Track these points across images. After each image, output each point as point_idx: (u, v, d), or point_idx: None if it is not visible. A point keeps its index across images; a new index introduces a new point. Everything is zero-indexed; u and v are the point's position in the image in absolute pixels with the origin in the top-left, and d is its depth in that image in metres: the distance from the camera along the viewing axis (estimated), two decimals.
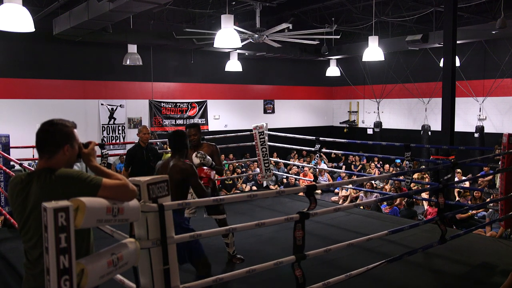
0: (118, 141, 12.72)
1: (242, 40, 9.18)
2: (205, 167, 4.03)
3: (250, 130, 8.02)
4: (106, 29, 10.11)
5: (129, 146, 6.19)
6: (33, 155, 8.76)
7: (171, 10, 11.17)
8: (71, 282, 1.80)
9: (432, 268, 4.45)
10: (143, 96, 13.40)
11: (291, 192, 4.04)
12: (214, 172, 4.22)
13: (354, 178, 9.28)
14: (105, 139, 12.55)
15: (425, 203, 9.28)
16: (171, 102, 13.90)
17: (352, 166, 14.63)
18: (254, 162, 11.36)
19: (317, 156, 7.90)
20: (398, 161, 13.19)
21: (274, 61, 15.62)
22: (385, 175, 10.64)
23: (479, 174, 10.79)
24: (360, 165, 14.53)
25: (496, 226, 7.14)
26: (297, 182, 11.65)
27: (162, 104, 13.70)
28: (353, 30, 13.18)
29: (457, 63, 9.76)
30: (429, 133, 14.26)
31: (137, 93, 13.29)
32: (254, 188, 12.30)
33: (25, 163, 5.54)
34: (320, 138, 7.62)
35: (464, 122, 13.35)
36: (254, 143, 7.90)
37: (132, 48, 11.64)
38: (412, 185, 7.44)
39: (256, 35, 9.34)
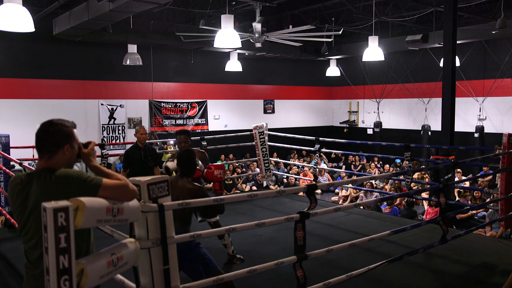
0: (118, 141, 12.72)
1: (242, 40, 9.18)
2: (215, 171, 3.96)
3: (250, 130, 8.02)
4: (106, 29, 10.11)
5: (129, 146, 6.17)
6: (33, 155, 8.76)
7: (171, 10, 11.17)
8: (70, 282, 1.79)
9: (432, 268, 4.45)
10: (143, 96, 13.40)
11: (291, 192, 4.04)
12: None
13: (354, 178, 9.27)
14: (105, 139, 12.55)
15: (425, 203, 9.27)
16: (171, 102, 13.90)
17: (352, 166, 14.63)
18: (254, 162, 11.36)
19: (317, 156, 7.90)
20: (398, 161, 13.20)
21: (274, 61, 15.62)
22: (385, 175, 10.64)
23: (478, 174, 10.79)
24: (360, 165, 14.52)
25: (496, 226, 7.14)
26: (297, 182, 11.65)
27: (162, 104, 13.69)
28: (353, 30, 13.18)
29: (457, 63, 9.76)
30: (429, 133, 14.25)
31: (137, 93, 13.29)
32: (254, 188, 12.30)
33: (25, 163, 5.54)
34: (320, 138, 7.61)
35: (464, 122, 13.35)
36: (254, 143, 7.90)
37: (132, 48, 11.64)
38: (412, 185, 7.44)
39: (256, 35, 9.34)
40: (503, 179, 5.39)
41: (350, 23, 12.87)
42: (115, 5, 7.43)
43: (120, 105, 12.94)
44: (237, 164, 13.33)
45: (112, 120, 12.83)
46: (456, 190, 9.32)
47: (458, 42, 8.74)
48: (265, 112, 16.14)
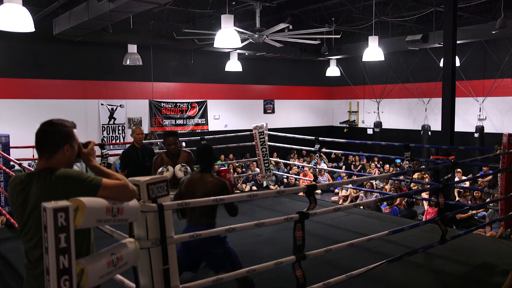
0: (118, 141, 12.72)
1: (242, 40, 9.18)
2: (226, 175, 3.91)
3: (250, 130, 8.02)
4: (106, 29, 10.11)
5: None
6: (33, 155, 8.76)
7: (171, 10, 11.17)
8: (70, 282, 1.80)
9: (432, 268, 4.45)
10: (143, 96, 13.40)
11: (291, 192, 4.04)
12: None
13: (354, 178, 9.28)
14: (105, 139, 12.55)
15: (425, 203, 9.28)
16: (171, 102, 13.90)
17: (352, 166, 14.63)
18: (254, 162, 11.37)
19: (317, 156, 7.90)
20: (398, 161, 13.20)
21: (274, 61, 15.62)
22: (385, 175, 10.64)
23: (478, 174, 10.79)
24: (360, 165, 14.53)
25: (496, 226, 7.14)
26: (297, 182, 11.65)
27: (162, 104, 13.69)
28: (353, 30, 13.18)
29: (457, 63, 9.76)
30: (429, 133, 14.26)
31: (137, 93, 13.29)
32: (254, 188, 12.30)
33: (25, 163, 5.55)
34: (320, 138, 7.61)
35: (464, 122, 13.35)
36: (254, 143, 7.90)
37: (132, 48, 11.64)
38: (412, 185, 7.44)
39: (256, 35, 9.34)
40: (503, 179, 5.40)
41: (350, 23, 12.87)
42: (115, 5, 7.43)
43: (120, 105, 12.94)
44: (237, 164, 13.33)
45: (112, 120, 12.83)
46: (456, 190, 9.32)
47: (458, 42, 8.73)
48: (265, 112, 16.14)
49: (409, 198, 8.51)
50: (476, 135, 13.12)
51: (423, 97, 14.70)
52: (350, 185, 10.74)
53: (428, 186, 8.76)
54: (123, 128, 12.99)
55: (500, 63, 12.76)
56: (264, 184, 12.27)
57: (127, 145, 6.04)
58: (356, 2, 10.99)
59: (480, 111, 13.44)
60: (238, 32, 8.36)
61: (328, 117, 18.01)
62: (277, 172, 10.80)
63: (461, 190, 8.88)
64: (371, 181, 10.50)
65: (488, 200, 8.02)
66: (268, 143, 7.93)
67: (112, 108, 12.80)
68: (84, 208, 1.87)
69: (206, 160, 3.60)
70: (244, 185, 12.37)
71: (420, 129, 14.51)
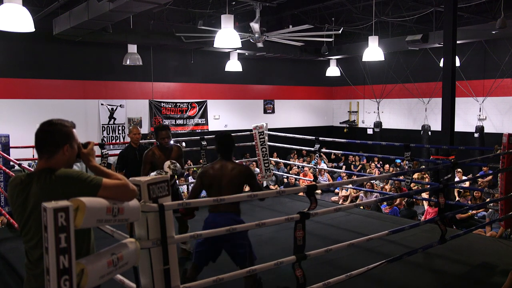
0: (118, 141, 12.72)
1: (242, 40, 9.18)
2: None
3: (250, 130, 8.02)
4: (106, 29, 10.11)
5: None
6: (33, 155, 8.75)
7: (171, 10, 11.17)
8: (71, 282, 1.80)
9: (432, 268, 4.45)
10: (143, 96, 13.40)
11: (291, 192, 4.04)
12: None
13: (354, 178, 9.28)
14: (105, 139, 12.55)
15: (425, 203, 9.28)
16: (171, 102, 13.90)
17: (352, 166, 14.63)
18: (254, 162, 11.36)
19: (317, 156, 7.90)
20: (398, 161, 13.20)
21: (274, 61, 15.62)
22: (385, 175, 10.64)
23: (478, 174, 10.78)
24: (360, 165, 14.53)
25: (496, 226, 7.14)
26: (297, 182, 11.65)
27: (162, 104, 13.69)
28: (353, 30, 13.18)
29: (457, 63, 9.76)
30: (429, 133, 14.26)
31: (137, 93, 13.29)
32: None
33: (25, 163, 5.54)
34: (320, 138, 7.61)
35: (464, 122, 13.35)
36: (254, 143, 7.90)
37: (132, 48, 11.64)
38: (412, 185, 7.44)
39: (256, 35, 9.34)
40: (503, 179, 5.40)
41: (350, 23, 12.87)
42: (115, 5, 7.43)
43: (120, 105, 12.94)
44: None
45: (112, 120, 12.83)
46: (456, 190, 9.32)
47: (458, 42, 8.73)
48: (265, 112, 16.14)
49: (409, 198, 8.50)
50: (476, 135, 13.12)
51: (423, 97, 14.70)
52: (350, 185, 10.74)
53: (428, 186, 8.76)
54: (123, 128, 12.99)
55: (500, 63, 12.76)
56: (264, 184, 12.26)
57: (126, 145, 6.02)
58: (356, 2, 10.99)
59: (480, 111, 13.44)
60: (238, 32, 8.36)
61: (328, 117, 18.01)
62: (277, 172, 10.80)
63: (461, 190, 8.87)
64: (371, 181, 10.50)
65: (488, 200, 8.01)
66: (268, 143, 7.93)
67: (112, 108, 12.80)
68: (85, 208, 1.87)
69: (227, 148, 3.62)
70: (244, 185, 12.35)
71: (420, 129, 14.51)
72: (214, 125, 14.69)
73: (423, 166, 11.25)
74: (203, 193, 3.91)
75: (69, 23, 9.35)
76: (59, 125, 2.15)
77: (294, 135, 8.69)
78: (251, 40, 9.67)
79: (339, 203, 10.95)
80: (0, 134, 6.84)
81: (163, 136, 4.79)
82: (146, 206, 2.42)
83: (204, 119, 14.57)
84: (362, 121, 16.84)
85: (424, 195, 9.16)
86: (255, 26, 8.95)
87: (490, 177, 10.29)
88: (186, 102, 14.18)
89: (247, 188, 3.90)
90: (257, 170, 8.08)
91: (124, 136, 12.91)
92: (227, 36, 7.75)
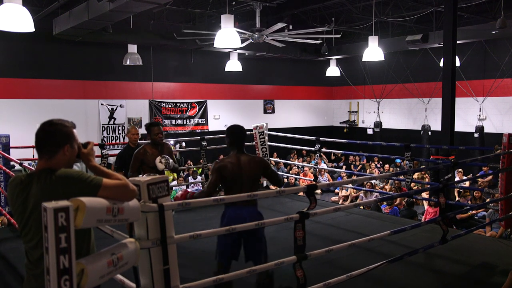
0: (118, 141, 12.72)
1: (242, 40, 9.18)
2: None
3: (250, 130, 8.00)
4: (106, 29, 10.11)
5: None
6: (33, 155, 8.76)
7: (171, 10, 11.17)
8: (71, 282, 1.79)
9: (432, 268, 4.45)
10: (143, 96, 13.40)
11: (291, 192, 4.04)
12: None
13: (354, 178, 9.27)
14: (105, 139, 12.55)
15: (425, 203, 9.28)
16: (171, 102, 13.90)
17: (352, 166, 14.63)
18: None
19: (317, 156, 7.90)
20: (398, 161, 13.19)
21: (274, 61, 15.62)
22: (385, 175, 10.64)
23: (478, 174, 10.78)
24: (360, 165, 14.53)
25: (496, 226, 7.14)
26: (297, 182, 11.65)
27: (162, 104, 13.70)
28: (353, 30, 13.18)
29: (457, 63, 9.76)
30: (429, 133, 14.26)
31: (137, 93, 13.29)
32: None
33: (25, 163, 5.53)
34: (320, 138, 7.61)
35: (464, 122, 13.35)
36: (254, 143, 7.90)
37: (132, 48, 11.64)
38: (412, 185, 7.44)
39: (256, 35, 9.34)
40: (503, 179, 5.39)
41: (350, 23, 12.87)
42: (115, 5, 7.43)
43: (120, 105, 12.94)
44: None
45: (112, 120, 12.84)
46: (456, 190, 9.32)
47: (458, 42, 8.73)
48: (265, 112, 16.14)
49: (409, 198, 8.50)
50: (476, 135, 13.12)
51: (423, 97, 14.70)
52: (350, 185, 10.74)
53: (428, 186, 8.76)
54: (123, 128, 12.99)
55: (500, 63, 12.76)
56: (264, 184, 12.26)
57: (125, 145, 6.02)
58: (356, 2, 10.99)
59: (480, 111, 13.44)
60: (238, 32, 8.35)
61: (328, 117, 18.01)
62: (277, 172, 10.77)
63: (461, 190, 8.87)
64: (371, 181, 10.50)
65: (488, 200, 8.01)
66: (268, 143, 7.92)
67: (112, 108, 12.81)
68: (85, 208, 1.87)
69: (241, 140, 3.62)
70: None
71: (420, 129, 14.52)
72: (214, 125, 14.69)
73: (423, 166, 11.25)
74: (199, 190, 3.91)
75: (69, 23, 9.35)
76: (59, 125, 2.15)
77: (294, 135, 8.68)
78: (251, 40, 9.66)
79: (339, 203, 10.95)
80: (0, 134, 6.84)
81: (156, 132, 4.80)
82: (146, 206, 2.41)
83: (204, 119, 14.57)
84: (362, 121, 16.84)
85: (424, 195, 9.17)
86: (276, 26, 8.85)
87: (490, 177, 10.29)
88: (186, 102, 14.19)
89: None
90: None
91: (124, 136, 12.90)
92: (227, 36, 7.75)
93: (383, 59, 9.74)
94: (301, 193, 6.98)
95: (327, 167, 14.23)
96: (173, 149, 5.05)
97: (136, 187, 2.34)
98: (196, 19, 11.85)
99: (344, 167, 14.78)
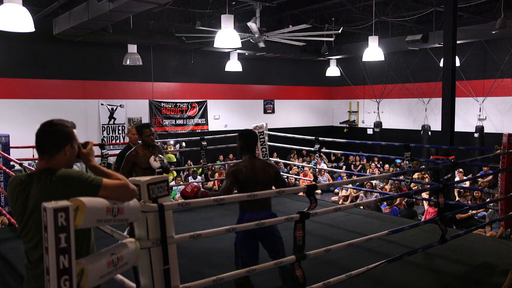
0: (118, 141, 12.72)
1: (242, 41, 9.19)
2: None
3: None
4: (106, 29, 10.11)
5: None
6: (33, 155, 8.76)
7: (171, 10, 11.18)
8: (71, 282, 1.80)
9: (432, 268, 4.45)
10: (143, 96, 13.40)
11: (291, 192, 4.04)
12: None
13: (354, 178, 9.27)
14: (105, 139, 12.55)
15: (425, 203, 9.28)
16: (171, 102, 13.90)
17: (352, 166, 14.63)
18: None
19: (317, 156, 7.89)
20: (398, 161, 13.19)
21: (274, 61, 15.62)
22: (385, 175, 10.64)
23: (478, 174, 10.78)
24: (360, 165, 14.53)
25: (496, 226, 7.14)
26: (297, 182, 11.65)
27: (162, 104, 13.70)
28: (353, 30, 13.18)
29: (457, 63, 9.76)
30: (429, 133, 14.26)
31: (137, 93, 13.29)
32: None
33: (25, 163, 5.54)
34: (320, 138, 7.61)
35: (464, 122, 13.35)
36: None
37: (132, 48, 11.64)
38: (412, 185, 7.44)
39: (256, 35, 9.34)
40: (503, 179, 5.39)
41: (350, 23, 12.87)
42: (115, 5, 7.43)
43: (120, 105, 12.94)
44: None
45: (112, 120, 12.84)
46: (456, 190, 9.32)
47: (458, 42, 8.73)
48: (265, 112, 16.14)
49: (409, 198, 8.50)
50: (476, 135, 13.13)
51: (423, 97, 14.70)
52: (350, 185, 10.74)
53: (428, 186, 8.76)
54: (123, 128, 12.99)
55: (500, 63, 12.76)
56: None
57: (125, 145, 6.03)
58: (356, 2, 10.99)
59: (480, 111, 13.44)
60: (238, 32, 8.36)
61: (328, 117, 18.01)
62: None
63: (461, 190, 8.87)
64: (371, 181, 10.50)
65: (488, 200, 8.01)
66: (268, 143, 7.92)
67: (112, 108, 12.81)
68: (84, 208, 1.87)
69: (253, 145, 3.66)
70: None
71: (420, 129, 14.52)
72: (214, 125, 14.70)
73: (423, 166, 11.25)
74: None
75: (69, 23, 9.36)
76: (60, 125, 2.15)
77: (294, 135, 8.68)
78: (251, 40, 9.66)
79: (339, 203, 10.95)
80: (0, 134, 6.84)
81: (148, 134, 4.84)
82: (146, 206, 2.41)
83: (204, 119, 14.57)
84: (362, 121, 16.84)
85: (424, 195, 9.17)
86: (252, 25, 8.95)
87: (490, 177, 10.29)
88: (186, 102, 14.19)
89: None
90: None
91: (124, 136, 12.90)
92: (227, 36, 7.75)
93: (383, 59, 9.75)
94: (301, 193, 6.99)
95: (327, 167, 14.23)
96: (173, 149, 5.09)
97: (136, 187, 2.34)
98: (196, 19, 11.85)
99: (344, 167, 14.78)
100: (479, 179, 10.63)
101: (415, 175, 11.11)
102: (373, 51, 9.28)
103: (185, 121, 14.14)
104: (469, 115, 13.56)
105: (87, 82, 12.43)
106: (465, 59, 13.11)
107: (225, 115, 15.03)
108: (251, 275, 3.10)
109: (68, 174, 2.06)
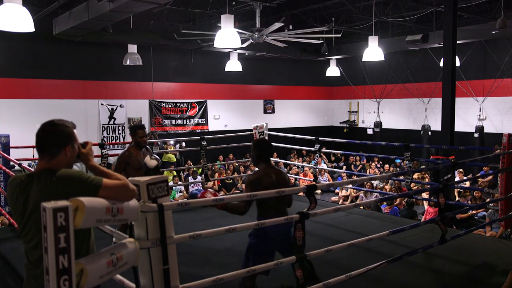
0: (118, 141, 12.72)
1: (243, 41, 9.18)
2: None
3: (250, 130, 8.02)
4: (106, 29, 10.11)
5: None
6: (33, 155, 8.76)
7: (171, 10, 11.17)
8: (70, 282, 1.79)
9: (432, 268, 4.45)
10: (143, 96, 13.40)
11: (291, 192, 4.04)
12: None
13: (354, 178, 9.28)
14: (105, 139, 12.55)
15: (425, 203, 9.28)
16: (171, 102, 13.90)
17: (352, 166, 14.63)
18: None
19: (317, 156, 7.89)
20: (398, 161, 13.19)
21: (274, 61, 15.62)
22: (385, 175, 10.62)
23: (478, 174, 10.78)
24: (360, 165, 14.53)
25: (496, 226, 7.14)
26: (297, 182, 11.64)
27: (162, 104, 13.70)
28: (353, 30, 13.18)
29: (457, 63, 9.76)
30: (429, 133, 14.26)
31: (137, 93, 13.29)
32: None
33: (25, 163, 5.54)
34: (320, 138, 7.61)
35: (464, 122, 13.35)
36: None
37: (132, 48, 11.64)
38: (412, 185, 7.44)
39: (256, 35, 9.34)
40: (503, 179, 5.39)
41: (350, 23, 12.87)
42: (115, 5, 7.43)
43: (120, 105, 12.94)
44: (237, 164, 13.32)
45: (112, 120, 12.83)
46: (456, 190, 9.32)
47: (458, 42, 8.73)
48: (265, 112, 16.14)
49: (409, 198, 8.50)
50: (476, 135, 13.12)
51: (423, 97, 14.70)
52: (350, 185, 10.74)
53: (428, 186, 8.76)
54: (123, 128, 12.99)
55: (500, 63, 12.76)
56: None
57: (127, 145, 6.04)
58: (356, 2, 10.99)
59: (480, 111, 13.44)
60: (238, 32, 8.35)
61: (328, 117, 18.01)
62: None
63: (461, 190, 8.87)
64: (371, 181, 10.50)
65: (488, 200, 8.01)
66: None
67: (112, 108, 12.81)
68: (84, 208, 1.87)
69: (269, 154, 3.68)
70: (244, 185, 12.35)
71: (420, 129, 14.51)
72: (214, 125, 14.69)
73: (423, 166, 11.25)
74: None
75: (69, 23, 9.35)
76: (61, 125, 2.14)
77: (294, 135, 8.68)
78: (251, 40, 9.66)
79: (339, 203, 10.95)
80: (0, 134, 6.85)
81: (141, 135, 4.88)
82: (146, 206, 2.41)
83: (204, 119, 14.57)
84: (362, 121, 16.84)
85: (424, 195, 9.16)
86: (275, 25, 8.80)
87: (490, 177, 10.29)
88: (186, 102, 14.18)
89: None
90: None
91: (124, 136, 12.90)
92: (227, 36, 7.75)
93: (383, 59, 9.74)
94: (301, 193, 6.98)
95: (327, 167, 14.22)
96: (173, 149, 5.12)
97: (136, 187, 2.34)
98: (196, 19, 11.85)
99: (344, 167, 14.77)
100: (479, 179, 10.62)
101: (415, 175, 11.10)
102: (373, 51, 9.27)
103: (185, 121, 14.14)
104: (469, 115, 13.55)
105: (87, 82, 12.43)
106: (465, 59, 13.11)
107: (225, 115, 15.03)
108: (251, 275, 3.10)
109: (68, 174, 2.06)
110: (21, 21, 5.49)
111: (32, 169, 6.42)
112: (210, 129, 14.38)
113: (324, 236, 5.31)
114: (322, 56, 14.77)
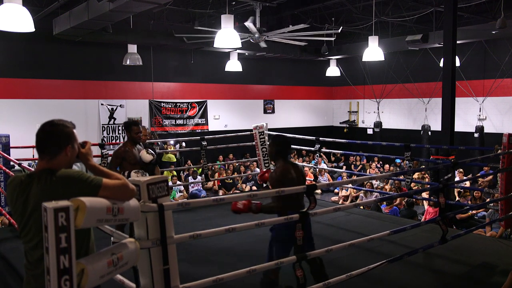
0: (118, 141, 12.72)
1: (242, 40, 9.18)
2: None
3: (250, 130, 8.02)
4: (106, 29, 10.11)
5: None
6: (33, 155, 8.76)
7: (171, 10, 11.18)
8: (71, 282, 1.80)
9: (432, 268, 4.45)
10: (143, 96, 13.40)
11: (291, 192, 4.04)
12: None
13: (354, 178, 9.27)
14: (105, 139, 12.55)
15: (425, 203, 9.28)
16: (171, 102, 13.90)
17: (352, 166, 14.63)
18: (254, 162, 11.36)
19: (317, 156, 7.89)
20: (398, 161, 13.19)
21: (274, 61, 15.62)
22: (385, 175, 10.63)
23: (478, 174, 10.78)
24: (360, 165, 14.53)
25: (496, 226, 7.14)
26: None
27: (162, 104, 13.70)
28: (353, 30, 13.18)
29: (457, 63, 9.76)
30: (429, 133, 14.26)
31: (137, 93, 13.29)
32: (254, 188, 12.30)
33: (25, 163, 5.54)
34: (320, 138, 7.61)
35: (464, 122, 13.35)
36: (254, 143, 7.90)
37: (132, 48, 11.64)
38: (412, 185, 7.44)
39: (256, 35, 9.34)
40: (503, 179, 5.39)
41: (350, 23, 12.87)
42: (115, 5, 7.43)
43: (120, 105, 12.94)
44: (237, 164, 13.33)
45: (112, 120, 12.83)
46: (456, 190, 9.32)
47: (458, 42, 8.73)
48: (265, 112, 16.14)
49: (409, 198, 8.50)
50: (476, 135, 13.12)
51: (423, 97, 14.70)
52: (350, 185, 10.74)
53: (428, 186, 8.76)
54: (123, 128, 12.97)
55: (500, 63, 12.76)
56: (264, 184, 12.24)
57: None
58: (356, 2, 10.99)
59: (480, 111, 13.44)
60: (239, 32, 8.35)
61: (328, 117, 18.01)
62: None
63: (461, 190, 8.87)
64: (371, 181, 10.49)
65: (488, 200, 8.01)
66: (268, 143, 7.92)
67: (112, 108, 12.80)
68: (85, 208, 1.87)
69: (288, 150, 3.69)
70: (244, 185, 12.37)
71: (420, 129, 14.51)
72: (214, 125, 14.69)
73: (423, 166, 11.25)
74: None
75: (69, 23, 9.35)
76: (61, 125, 2.14)
77: (294, 135, 8.67)
78: (251, 40, 9.66)
79: (339, 203, 10.95)
80: (0, 134, 6.84)
81: (137, 131, 4.89)
82: (146, 206, 2.41)
83: (204, 119, 14.57)
84: (362, 121, 16.84)
85: (424, 195, 9.17)
86: (250, 25, 8.93)
87: (490, 177, 10.29)
88: (186, 102, 14.18)
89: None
90: (258, 170, 8.07)
91: (124, 136, 12.86)
92: (227, 36, 7.75)
93: (383, 59, 9.75)
94: None
95: (327, 167, 14.22)
96: (173, 149, 5.12)
97: (136, 187, 2.34)
98: (196, 19, 11.85)
99: (344, 167, 14.77)
100: (479, 179, 10.62)
101: (415, 175, 11.11)
102: (373, 51, 9.27)
103: (185, 121, 14.14)
104: (469, 115, 13.56)
105: (87, 82, 12.43)
106: (465, 59, 13.11)
107: (225, 115, 15.03)
108: (251, 276, 3.09)
109: (68, 174, 2.06)
110: (21, 21, 5.49)
111: (32, 169, 6.42)
112: (210, 129, 14.38)
113: (324, 236, 5.31)
114: (322, 56, 14.77)
